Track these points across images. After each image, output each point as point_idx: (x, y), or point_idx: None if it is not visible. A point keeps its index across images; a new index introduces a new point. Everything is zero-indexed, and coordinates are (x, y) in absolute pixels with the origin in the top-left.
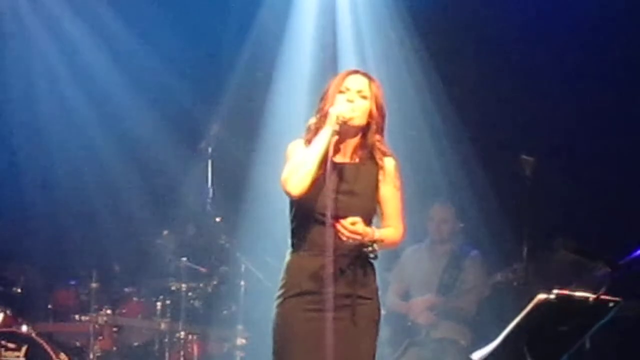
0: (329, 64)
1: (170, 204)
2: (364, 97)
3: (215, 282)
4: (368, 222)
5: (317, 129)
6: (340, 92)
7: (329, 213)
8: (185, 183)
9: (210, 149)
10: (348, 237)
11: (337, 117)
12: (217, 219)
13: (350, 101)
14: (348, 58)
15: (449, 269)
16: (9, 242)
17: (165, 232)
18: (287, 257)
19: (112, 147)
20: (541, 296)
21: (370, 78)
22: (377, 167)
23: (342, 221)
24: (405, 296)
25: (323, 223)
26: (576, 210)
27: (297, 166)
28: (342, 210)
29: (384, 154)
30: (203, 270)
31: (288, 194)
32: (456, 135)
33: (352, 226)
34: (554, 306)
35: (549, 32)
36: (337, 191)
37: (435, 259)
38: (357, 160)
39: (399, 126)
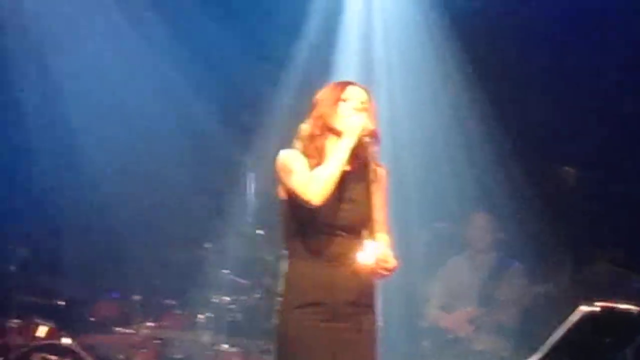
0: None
1: (212, 217)
2: (366, 109)
3: (257, 295)
4: (365, 229)
5: (311, 135)
6: (342, 100)
7: (345, 223)
8: (227, 196)
9: (250, 161)
10: (387, 275)
11: (362, 129)
12: (259, 231)
13: (359, 110)
14: (383, 62)
15: (490, 281)
16: (52, 255)
17: (208, 245)
18: (289, 267)
19: (155, 162)
20: (584, 308)
21: (367, 90)
22: (371, 175)
23: (380, 262)
24: (446, 308)
25: (329, 232)
26: (619, 222)
27: (317, 176)
28: (346, 219)
29: (376, 164)
30: (245, 282)
31: (307, 202)
32: (497, 145)
33: (386, 264)
34: (596, 318)
35: (602, 35)
36: (341, 200)
37: (475, 270)
38: (353, 168)
39: (439, 136)
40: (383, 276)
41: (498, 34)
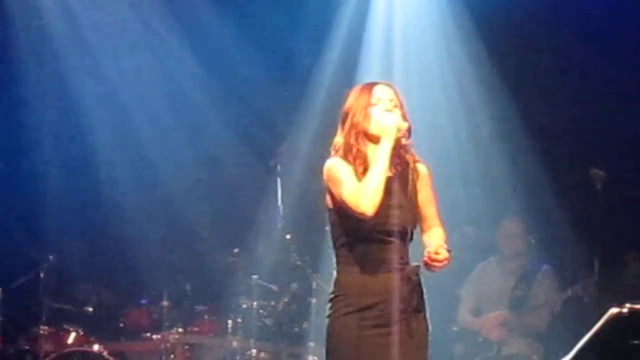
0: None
1: (241, 223)
2: (396, 106)
3: (286, 300)
4: (414, 230)
5: (349, 146)
6: (371, 105)
7: (394, 229)
8: (255, 201)
9: (279, 167)
10: (440, 267)
11: (399, 130)
12: (288, 237)
13: (390, 111)
14: (409, 63)
15: (520, 285)
16: (81, 262)
17: (236, 250)
18: (339, 273)
19: (183, 167)
20: (613, 310)
21: (392, 86)
22: (413, 174)
23: (431, 254)
24: (477, 312)
25: (379, 239)
26: None
27: (365, 187)
28: (396, 225)
29: (415, 161)
30: (274, 288)
31: (362, 214)
32: (526, 148)
33: (437, 255)
34: (626, 320)
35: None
36: (389, 206)
37: (506, 274)
38: (394, 171)
39: (471, 139)
40: (435, 269)
41: (518, 33)
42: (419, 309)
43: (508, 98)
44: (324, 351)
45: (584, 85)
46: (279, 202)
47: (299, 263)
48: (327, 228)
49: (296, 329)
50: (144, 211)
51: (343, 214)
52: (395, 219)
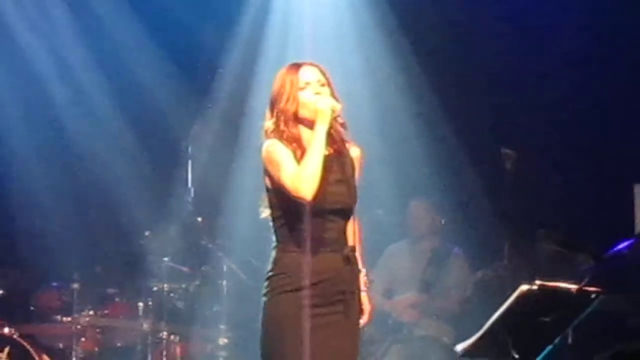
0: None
1: (152, 205)
2: (324, 85)
3: (197, 283)
4: (353, 210)
5: (279, 131)
6: (301, 89)
7: (334, 207)
8: (166, 183)
9: (190, 149)
10: None
11: (333, 111)
12: (199, 219)
13: (319, 93)
14: (327, 52)
15: (431, 267)
16: None
17: (147, 233)
18: (279, 253)
19: (93, 150)
20: (524, 287)
21: (318, 66)
22: (349, 154)
23: None
24: (388, 294)
25: (319, 217)
26: (560, 204)
27: (302, 170)
28: (335, 204)
29: (349, 142)
30: (185, 270)
31: (301, 199)
32: (437, 129)
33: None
34: (536, 297)
35: (530, 24)
36: (327, 184)
37: (416, 256)
38: (332, 150)
39: (379, 121)
40: None
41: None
42: (356, 290)
43: (423, 78)
44: (234, 334)
45: (498, 65)
46: (189, 185)
47: (210, 246)
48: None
49: (207, 312)
50: (54, 194)
51: (282, 195)
52: (335, 197)
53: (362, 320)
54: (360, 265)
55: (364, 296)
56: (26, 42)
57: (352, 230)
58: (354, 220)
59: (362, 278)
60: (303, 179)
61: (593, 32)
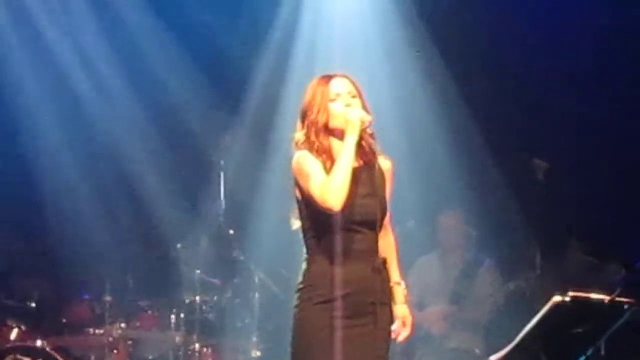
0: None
1: (183, 217)
2: (354, 97)
3: (229, 295)
4: (384, 219)
5: (310, 142)
6: (331, 100)
7: (363, 219)
8: (198, 196)
9: (222, 161)
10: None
11: (363, 123)
12: (230, 231)
13: (350, 105)
14: (356, 63)
15: (462, 278)
16: (23, 258)
17: (179, 245)
18: (309, 265)
19: (128, 162)
20: (556, 298)
21: (349, 77)
22: (379, 167)
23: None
24: (419, 306)
25: (348, 230)
26: (591, 214)
27: (331, 182)
28: (363, 215)
29: (379, 154)
30: (217, 282)
31: (329, 209)
32: (468, 140)
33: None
34: (569, 308)
35: (564, 32)
36: (356, 196)
37: (447, 268)
38: (361, 161)
39: (408, 131)
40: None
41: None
42: (386, 301)
43: (454, 90)
44: (266, 346)
45: (530, 75)
46: (222, 197)
47: (241, 258)
48: (294, 220)
49: (239, 324)
50: (87, 206)
51: (312, 206)
52: (364, 209)
53: (404, 333)
54: (397, 277)
55: (404, 308)
56: (78, 78)
57: (387, 242)
58: (387, 232)
59: (402, 290)
60: (331, 189)
61: (624, 39)
